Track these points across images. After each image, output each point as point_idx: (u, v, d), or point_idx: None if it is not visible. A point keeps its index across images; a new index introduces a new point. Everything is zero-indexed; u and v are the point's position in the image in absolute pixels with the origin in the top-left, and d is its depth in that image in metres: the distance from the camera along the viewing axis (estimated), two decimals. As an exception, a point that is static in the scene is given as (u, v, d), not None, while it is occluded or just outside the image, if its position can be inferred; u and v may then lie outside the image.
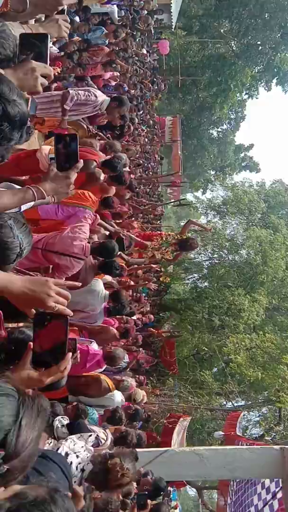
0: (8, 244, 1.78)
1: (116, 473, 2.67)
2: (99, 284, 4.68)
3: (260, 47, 26.86)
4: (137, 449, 4.36)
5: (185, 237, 6.84)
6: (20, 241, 1.81)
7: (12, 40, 1.54)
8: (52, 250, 3.82)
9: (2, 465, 0.94)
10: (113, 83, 8.91)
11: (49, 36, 1.65)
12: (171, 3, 16.21)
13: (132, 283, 7.47)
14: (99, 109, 5.10)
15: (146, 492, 4.29)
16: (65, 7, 1.96)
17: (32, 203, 2.28)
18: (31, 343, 1.43)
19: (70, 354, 1.48)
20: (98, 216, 4.64)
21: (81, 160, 1.83)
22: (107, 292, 4.85)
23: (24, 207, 2.10)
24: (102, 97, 5.12)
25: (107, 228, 5.29)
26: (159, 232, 7.51)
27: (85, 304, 4.53)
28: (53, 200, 2.11)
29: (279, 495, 6.00)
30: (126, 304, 5.30)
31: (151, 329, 12.38)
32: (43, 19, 2.06)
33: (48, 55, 1.64)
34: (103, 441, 3.83)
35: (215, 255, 19.39)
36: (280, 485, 5.81)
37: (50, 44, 1.65)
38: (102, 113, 5.19)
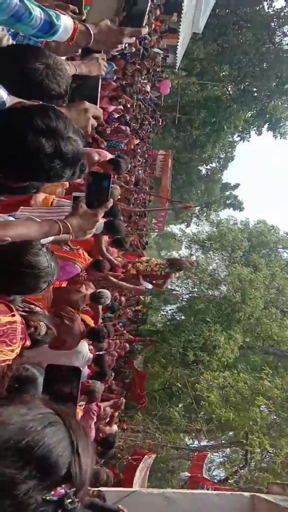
0: (42, 272, 1.78)
1: None
2: (84, 346, 4.64)
3: (256, 94, 27.85)
4: (104, 488, 4.26)
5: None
6: (52, 270, 1.81)
7: (67, 79, 1.56)
8: None
9: (75, 500, 0.85)
10: (116, 115, 9.11)
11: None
12: (177, 45, 16.78)
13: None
14: None
15: None
16: None
17: (51, 238, 2.28)
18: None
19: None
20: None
21: (111, 200, 1.84)
22: (91, 355, 4.84)
23: (43, 241, 2.10)
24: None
25: None
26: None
27: (69, 364, 4.49)
28: (70, 238, 2.11)
29: None
30: (108, 371, 5.42)
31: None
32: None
33: (98, 98, 1.70)
34: None
35: (195, 289, 19.47)
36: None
37: None
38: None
